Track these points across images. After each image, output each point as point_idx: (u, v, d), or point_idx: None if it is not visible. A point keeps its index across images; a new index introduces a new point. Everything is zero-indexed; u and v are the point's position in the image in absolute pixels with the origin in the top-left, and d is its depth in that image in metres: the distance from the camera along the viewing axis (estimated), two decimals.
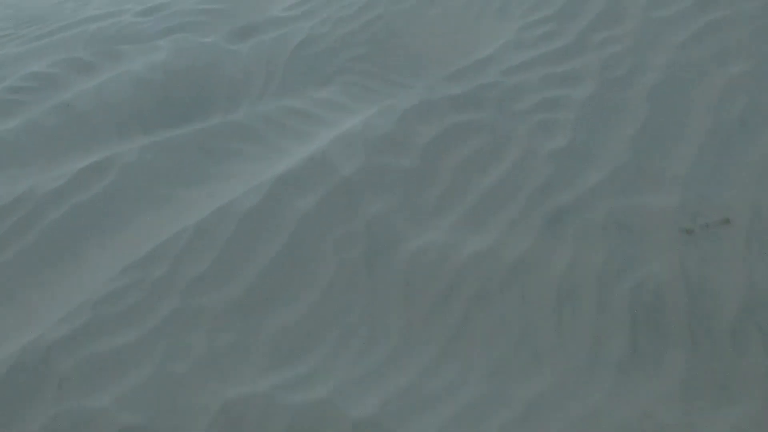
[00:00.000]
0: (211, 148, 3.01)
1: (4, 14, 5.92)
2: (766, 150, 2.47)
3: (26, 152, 3.34)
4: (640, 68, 2.93)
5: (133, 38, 4.55)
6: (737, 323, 1.95)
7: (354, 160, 2.68)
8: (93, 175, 2.95)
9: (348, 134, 2.83)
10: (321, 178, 2.63)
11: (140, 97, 3.60)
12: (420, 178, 2.58)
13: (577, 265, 2.18)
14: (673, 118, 2.66)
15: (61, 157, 3.29)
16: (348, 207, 2.51)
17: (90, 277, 2.47)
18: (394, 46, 3.70)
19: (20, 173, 3.12)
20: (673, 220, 2.26)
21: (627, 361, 1.92)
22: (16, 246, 2.61)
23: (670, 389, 1.83)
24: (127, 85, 3.71)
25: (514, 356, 1.98)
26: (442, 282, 2.21)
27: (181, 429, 1.87)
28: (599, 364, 1.92)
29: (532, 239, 2.29)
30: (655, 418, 1.77)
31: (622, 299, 2.06)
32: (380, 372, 1.99)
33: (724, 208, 2.27)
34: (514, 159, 2.61)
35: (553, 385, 1.89)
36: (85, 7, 5.64)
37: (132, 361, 2.06)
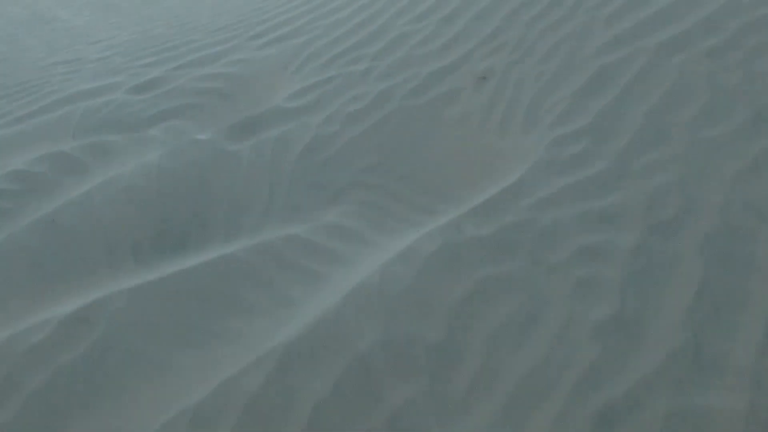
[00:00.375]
0: (210, 296, 2.75)
1: None
2: None
3: (6, 282, 3.08)
4: (690, 209, 2.67)
5: (124, 124, 4.29)
6: None
7: (372, 327, 2.42)
8: (78, 328, 2.69)
9: (364, 288, 2.57)
10: (336, 351, 2.37)
11: (131, 213, 3.35)
12: (447, 357, 2.32)
13: None
14: (732, 281, 2.40)
15: (44, 292, 3.02)
16: (368, 393, 2.25)
17: None
18: (410, 154, 3.45)
19: None
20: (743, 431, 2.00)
21: None
22: None
23: None
24: (117, 196, 3.45)
25: None
26: None
27: None
28: None
29: None
30: None
31: None
32: None
33: None
34: (554, 330, 2.35)
35: None
36: (76, 75, 5.38)
37: None
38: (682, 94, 3.20)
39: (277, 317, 2.64)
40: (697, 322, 2.30)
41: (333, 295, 2.63)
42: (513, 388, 2.22)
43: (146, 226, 3.29)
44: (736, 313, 2.31)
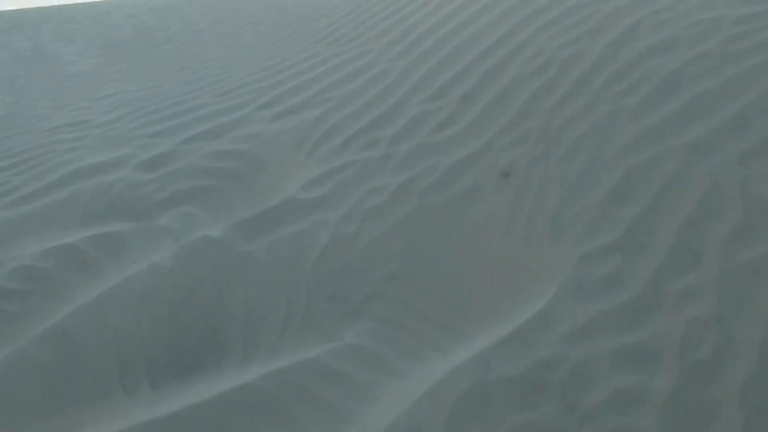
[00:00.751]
0: None
1: None
2: None
3: (20, 407, 3.04)
4: (728, 349, 2.62)
5: (134, 210, 4.25)
6: None
7: None
8: None
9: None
10: None
11: (145, 325, 3.30)
12: None
13: None
14: None
15: (58, 420, 2.98)
16: None
17: None
18: (431, 262, 3.40)
19: None
20: None
21: None
22: None
23: None
24: (129, 304, 3.41)
25: None
26: None
27: None
28: None
29: None
30: None
31: None
32: None
33: None
34: None
35: None
36: (83, 143, 5.35)
37: None
38: (715, 206, 3.15)
39: None
40: None
41: None
42: None
43: (160, 340, 3.24)
44: None
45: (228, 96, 5.65)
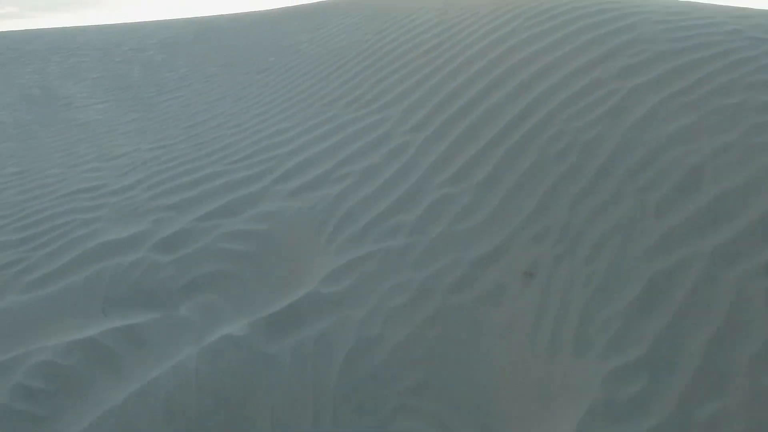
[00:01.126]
0: None
1: (6, 218, 5.72)
2: None
3: None
4: None
5: (155, 299, 4.31)
6: None
7: None
8: None
9: None
10: None
11: None
12: None
13: None
14: None
15: None
16: None
17: None
18: (456, 370, 3.45)
19: None
20: None
21: None
22: None
23: None
24: (156, 410, 3.47)
25: None
26: None
27: None
28: None
29: None
30: None
31: None
32: None
33: None
34: None
35: None
36: (99, 214, 5.42)
37: None
38: (741, 322, 3.20)
39: None
40: None
41: None
42: None
43: None
44: None
45: (243, 164, 5.72)
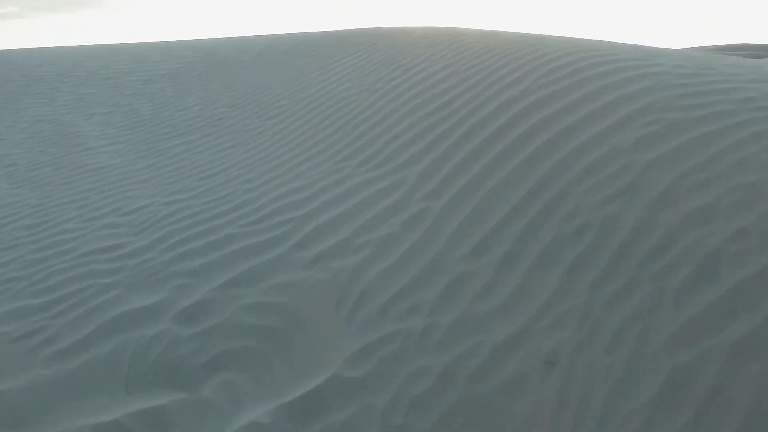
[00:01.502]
0: None
1: (24, 279, 5.84)
2: None
3: None
4: None
5: (178, 378, 4.41)
6: None
7: None
8: None
9: None
10: None
11: None
12: None
13: None
14: None
15: None
16: None
17: None
18: None
19: None
20: None
21: None
22: None
23: None
24: None
25: None
26: None
27: None
28: None
29: None
30: None
31: None
32: None
33: None
34: None
35: None
36: (117, 281, 5.53)
37: None
38: (759, 426, 3.29)
39: None
40: None
41: None
42: None
43: None
44: None
45: (259, 227, 5.83)
